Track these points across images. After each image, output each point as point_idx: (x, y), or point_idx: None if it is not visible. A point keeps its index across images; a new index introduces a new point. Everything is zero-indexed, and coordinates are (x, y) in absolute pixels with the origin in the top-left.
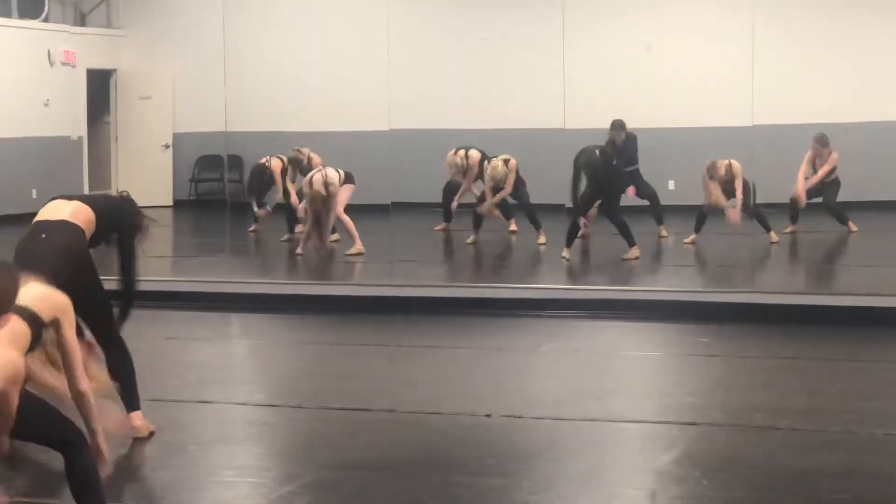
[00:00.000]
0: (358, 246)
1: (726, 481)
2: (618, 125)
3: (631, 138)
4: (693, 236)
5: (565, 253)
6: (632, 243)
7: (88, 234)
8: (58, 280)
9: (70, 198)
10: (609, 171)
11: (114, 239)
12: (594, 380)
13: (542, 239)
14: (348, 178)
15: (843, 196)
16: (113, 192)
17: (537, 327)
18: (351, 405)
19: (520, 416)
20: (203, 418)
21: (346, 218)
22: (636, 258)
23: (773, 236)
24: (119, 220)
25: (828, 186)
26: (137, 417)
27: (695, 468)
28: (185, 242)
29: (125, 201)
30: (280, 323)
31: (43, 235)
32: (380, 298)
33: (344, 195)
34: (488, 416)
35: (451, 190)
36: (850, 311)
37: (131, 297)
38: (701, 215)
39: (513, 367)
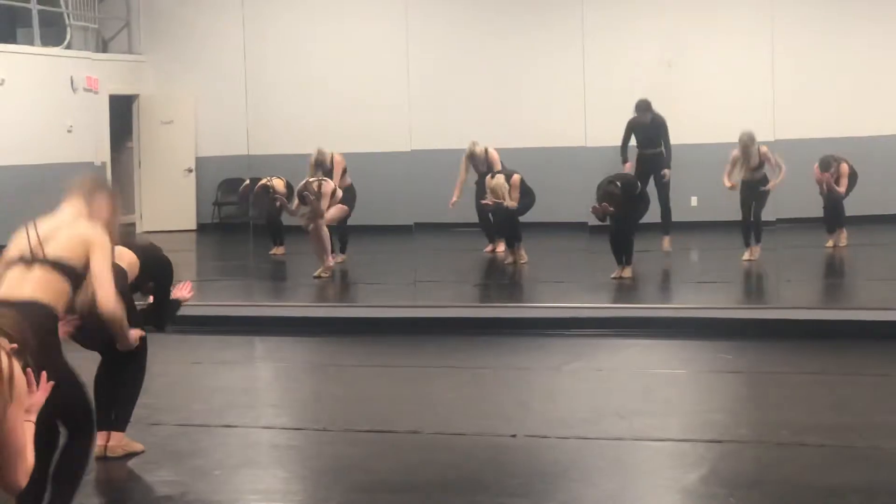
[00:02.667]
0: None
1: (754, 499)
2: (643, 106)
3: (656, 122)
4: (750, 250)
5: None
6: (629, 262)
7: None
8: None
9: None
10: (631, 200)
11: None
12: (618, 398)
13: (500, 248)
14: (343, 200)
15: (860, 210)
16: (137, 218)
17: (560, 346)
18: (376, 427)
19: (545, 437)
20: (228, 442)
21: (325, 233)
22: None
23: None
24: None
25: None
26: (120, 438)
27: (722, 486)
28: (208, 266)
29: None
30: (304, 346)
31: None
32: (403, 320)
33: (333, 214)
34: (513, 436)
35: (483, 210)
36: (875, 325)
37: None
38: (746, 228)
39: (537, 386)
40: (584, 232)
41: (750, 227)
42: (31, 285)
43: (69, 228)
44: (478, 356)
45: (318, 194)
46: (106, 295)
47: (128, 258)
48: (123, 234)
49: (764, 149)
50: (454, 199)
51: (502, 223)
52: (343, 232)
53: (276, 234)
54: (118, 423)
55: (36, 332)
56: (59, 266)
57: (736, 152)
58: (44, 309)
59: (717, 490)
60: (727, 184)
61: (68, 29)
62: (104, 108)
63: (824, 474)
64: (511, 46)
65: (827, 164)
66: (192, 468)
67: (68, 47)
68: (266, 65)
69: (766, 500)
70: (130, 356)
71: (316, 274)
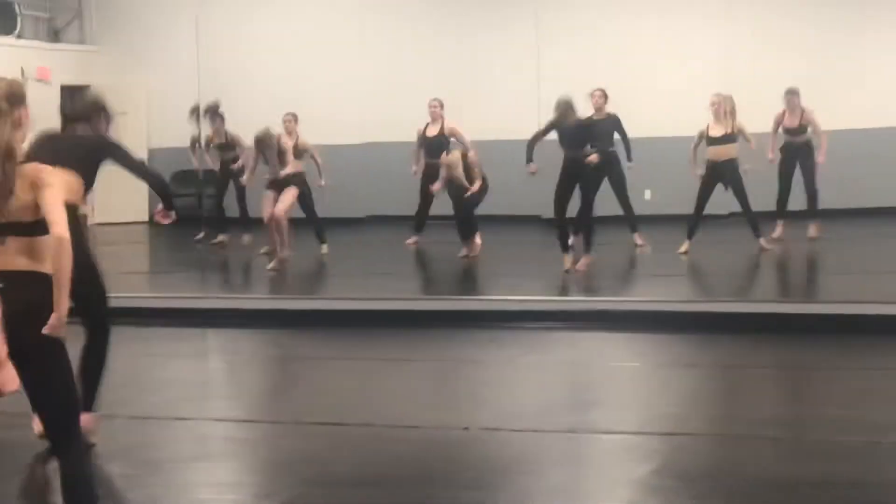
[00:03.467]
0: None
1: (706, 492)
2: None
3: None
4: (686, 245)
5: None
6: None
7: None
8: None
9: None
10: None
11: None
12: (573, 391)
13: (464, 251)
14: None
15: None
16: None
17: (515, 339)
18: (329, 420)
19: (498, 429)
20: (180, 435)
21: (285, 224)
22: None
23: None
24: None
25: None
26: (89, 420)
27: (674, 479)
28: (161, 258)
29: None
30: (257, 338)
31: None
32: (355, 312)
33: (287, 203)
34: (466, 429)
35: (426, 197)
36: (828, 318)
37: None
38: (783, 202)
39: (491, 379)
40: (536, 224)
41: (787, 200)
42: None
43: None
44: (432, 349)
45: (279, 149)
46: None
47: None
48: None
49: (808, 107)
50: (414, 167)
51: (458, 214)
52: (317, 221)
53: (222, 223)
54: (87, 403)
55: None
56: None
57: (780, 114)
58: None
59: (669, 483)
60: (769, 157)
61: (19, 18)
62: (56, 99)
63: (777, 467)
64: (464, 40)
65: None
66: (145, 461)
67: (19, 37)
68: (218, 56)
69: (719, 492)
70: (94, 323)
71: (271, 266)
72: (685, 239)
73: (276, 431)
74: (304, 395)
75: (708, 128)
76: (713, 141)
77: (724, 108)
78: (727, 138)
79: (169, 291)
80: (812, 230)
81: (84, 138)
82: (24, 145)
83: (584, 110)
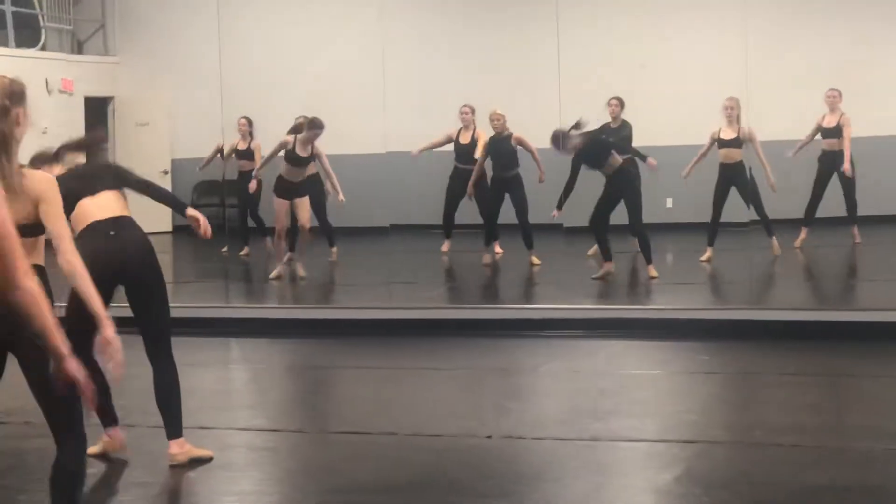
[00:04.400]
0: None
1: (728, 499)
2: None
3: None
4: (708, 252)
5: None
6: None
7: None
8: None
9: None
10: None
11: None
12: (594, 399)
13: (445, 248)
14: (313, 193)
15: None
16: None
17: (537, 347)
18: (352, 429)
19: (520, 437)
20: (203, 444)
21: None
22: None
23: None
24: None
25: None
26: (176, 445)
27: (696, 486)
28: (184, 268)
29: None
30: (280, 347)
31: (112, 233)
32: (378, 321)
33: (306, 214)
34: (489, 437)
35: (451, 204)
36: (849, 325)
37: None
38: (811, 209)
39: (513, 387)
40: (559, 233)
41: (817, 207)
42: None
43: None
44: (454, 357)
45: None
46: None
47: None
48: None
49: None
50: (417, 151)
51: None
52: (329, 227)
53: (245, 234)
54: (170, 429)
55: None
56: None
57: (822, 118)
58: None
59: (691, 490)
60: (790, 154)
61: (43, 31)
62: (79, 110)
63: (797, 474)
64: (485, 47)
65: None
66: (167, 469)
67: (43, 49)
68: (240, 67)
69: (740, 499)
70: (155, 351)
71: (273, 275)
72: (706, 247)
73: (299, 440)
74: (327, 404)
75: (720, 130)
76: (724, 143)
77: (737, 111)
78: (736, 142)
79: (192, 301)
80: (855, 236)
81: (104, 166)
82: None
83: (602, 117)
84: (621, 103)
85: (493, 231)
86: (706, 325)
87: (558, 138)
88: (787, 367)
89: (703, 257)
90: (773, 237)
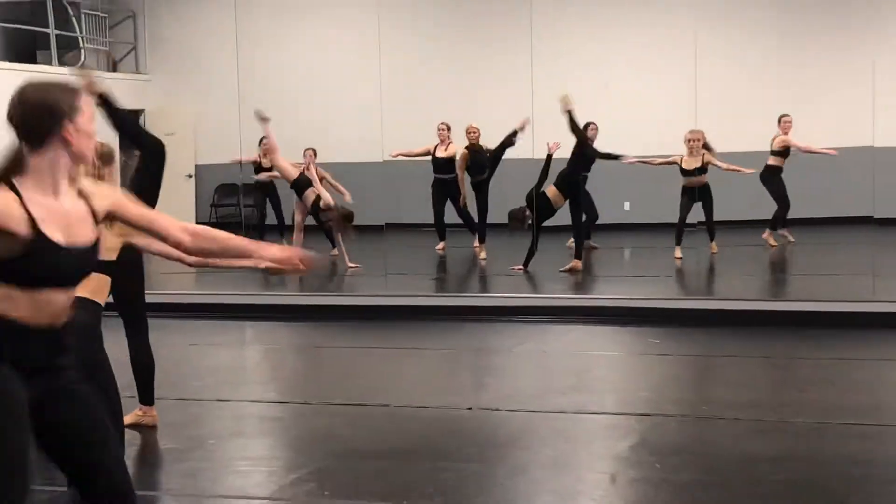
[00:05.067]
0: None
1: (677, 465)
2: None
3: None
4: (678, 251)
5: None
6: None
7: None
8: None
9: None
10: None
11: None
12: (561, 377)
13: (441, 247)
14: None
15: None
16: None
17: (511, 331)
18: (351, 401)
19: (497, 410)
20: (221, 415)
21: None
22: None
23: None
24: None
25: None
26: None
27: (649, 454)
28: None
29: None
30: (288, 330)
31: None
32: (374, 307)
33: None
34: (470, 409)
35: (439, 210)
36: (785, 314)
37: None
38: (678, 232)
39: (491, 366)
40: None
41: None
42: None
43: None
44: (440, 339)
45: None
46: None
47: None
48: None
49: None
50: (394, 154)
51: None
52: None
53: (261, 232)
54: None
55: None
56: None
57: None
58: None
59: (645, 457)
60: (831, 152)
61: (83, 51)
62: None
63: (738, 444)
64: (468, 63)
65: None
66: (189, 437)
67: (83, 67)
68: (257, 82)
69: (688, 466)
70: (135, 332)
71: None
72: (675, 246)
73: (304, 411)
74: (330, 380)
75: (682, 160)
76: (688, 173)
77: (698, 144)
78: (700, 171)
79: (211, 289)
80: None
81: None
82: None
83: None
84: (597, 128)
85: (472, 226)
86: (661, 312)
87: (517, 218)
88: (729, 349)
89: (676, 255)
90: (713, 242)
